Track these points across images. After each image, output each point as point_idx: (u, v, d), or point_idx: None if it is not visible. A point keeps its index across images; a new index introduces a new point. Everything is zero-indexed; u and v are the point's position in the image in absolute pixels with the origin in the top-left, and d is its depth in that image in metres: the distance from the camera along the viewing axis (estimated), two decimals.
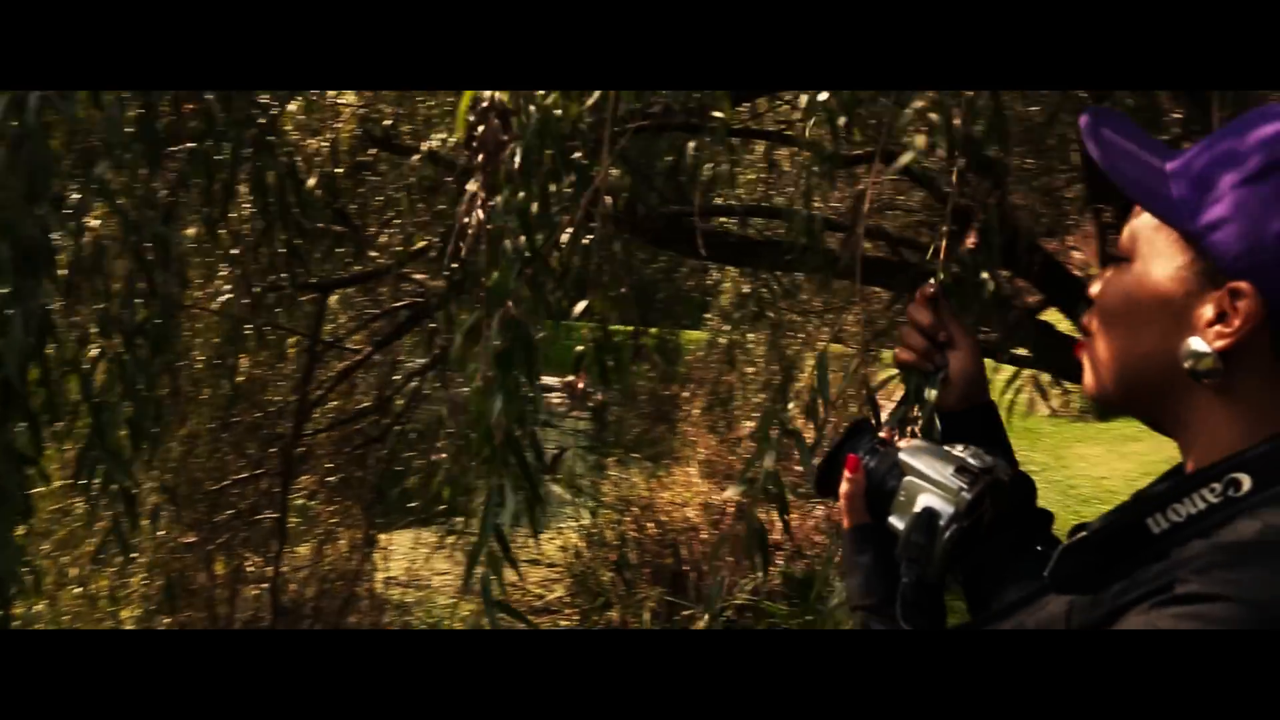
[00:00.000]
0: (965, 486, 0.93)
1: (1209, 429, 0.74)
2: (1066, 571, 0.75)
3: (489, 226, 0.97)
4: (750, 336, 4.62)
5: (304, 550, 4.44)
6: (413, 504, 4.57)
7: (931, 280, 1.04)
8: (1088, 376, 0.83)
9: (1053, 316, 2.90)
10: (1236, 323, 0.71)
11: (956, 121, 1.30)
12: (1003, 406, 1.50)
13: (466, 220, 0.97)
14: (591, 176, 1.02)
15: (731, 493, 5.28)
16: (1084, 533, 0.75)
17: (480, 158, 1.00)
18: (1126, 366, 0.78)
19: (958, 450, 0.96)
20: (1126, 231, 0.79)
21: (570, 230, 1.17)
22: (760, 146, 3.40)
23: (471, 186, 0.98)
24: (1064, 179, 3.21)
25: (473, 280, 1.72)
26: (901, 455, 0.97)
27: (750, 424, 5.44)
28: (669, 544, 5.17)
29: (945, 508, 0.93)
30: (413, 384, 3.20)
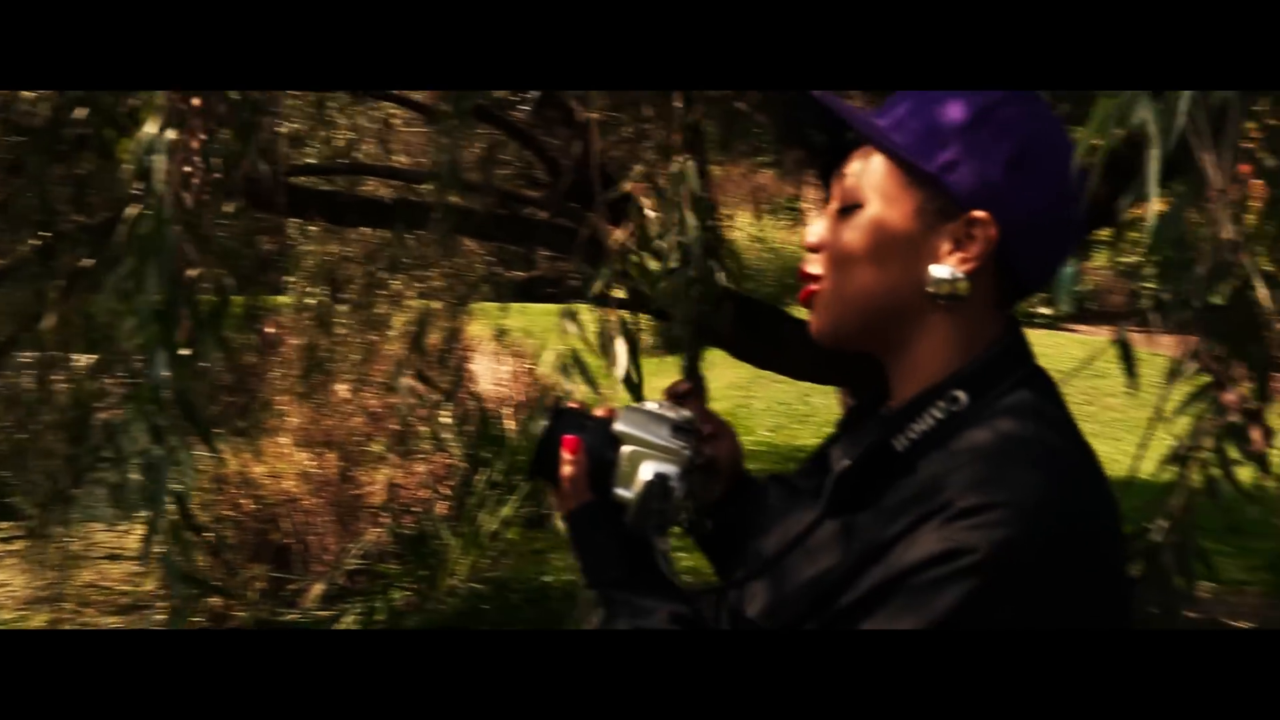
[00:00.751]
0: (686, 445, 0.98)
1: (933, 348, 0.87)
2: (840, 498, 0.85)
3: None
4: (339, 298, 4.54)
5: None
6: None
7: (683, 379, 1.08)
8: (820, 318, 0.92)
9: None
10: (975, 248, 0.84)
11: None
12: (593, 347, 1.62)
13: (188, 169, 0.91)
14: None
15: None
16: (846, 462, 0.85)
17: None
18: (870, 301, 0.88)
19: (659, 409, 1.01)
20: (850, 181, 0.89)
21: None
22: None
23: (172, 133, 0.92)
24: (637, 129, 3.48)
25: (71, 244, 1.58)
26: (617, 426, 0.99)
27: (344, 388, 5.35)
28: (269, 518, 4.99)
29: (671, 469, 0.96)
30: None
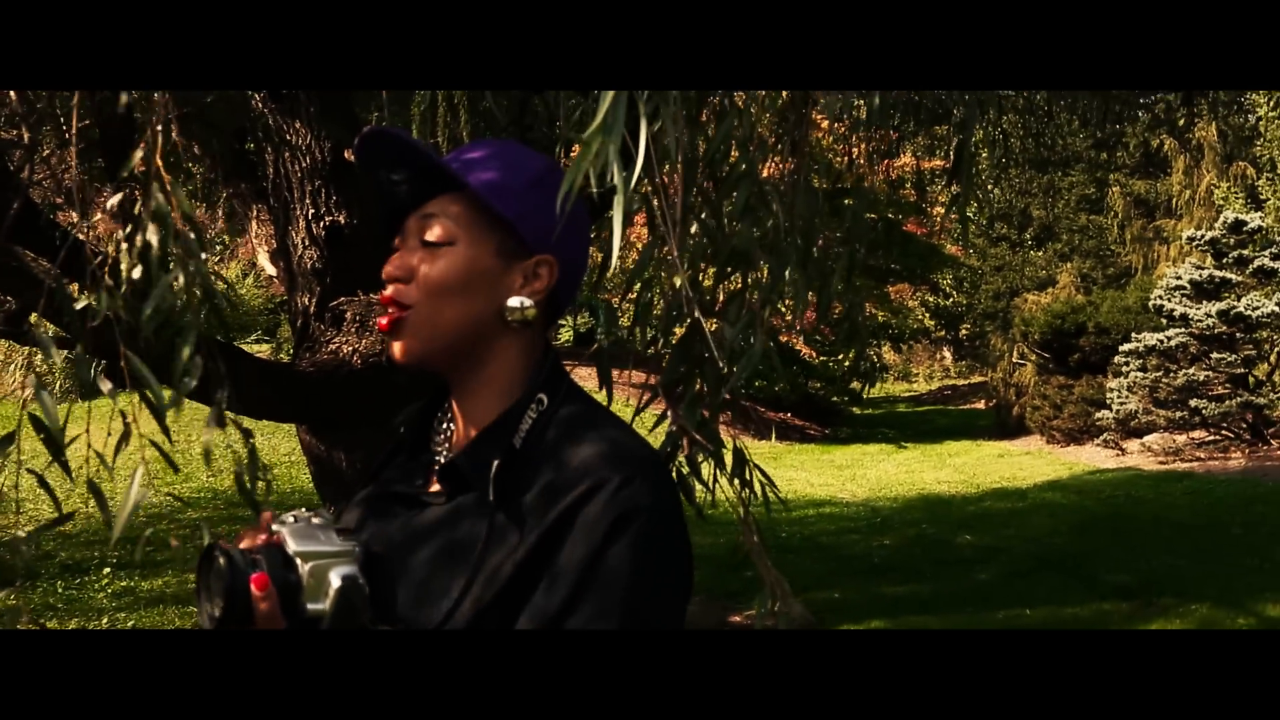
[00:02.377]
0: (355, 543, 1.06)
1: (505, 364, 1.08)
2: (500, 492, 1.00)
3: None
4: None
5: None
6: None
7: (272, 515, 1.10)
8: (407, 341, 1.06)
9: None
10: (541, 284, 1.06)
11: None
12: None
13: None
14: None
15: None
16: (496, 462, 1.01)
17: None
18: (458, 325, 1.06)
19: (312, 518, 1.06)
20: (439, 222, 1.06)
21: None
22: None
23: None
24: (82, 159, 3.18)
25: None
26: (293, 548, 1.03)
27: None
28: None
29: (352, 568, 1.03)
30: None
